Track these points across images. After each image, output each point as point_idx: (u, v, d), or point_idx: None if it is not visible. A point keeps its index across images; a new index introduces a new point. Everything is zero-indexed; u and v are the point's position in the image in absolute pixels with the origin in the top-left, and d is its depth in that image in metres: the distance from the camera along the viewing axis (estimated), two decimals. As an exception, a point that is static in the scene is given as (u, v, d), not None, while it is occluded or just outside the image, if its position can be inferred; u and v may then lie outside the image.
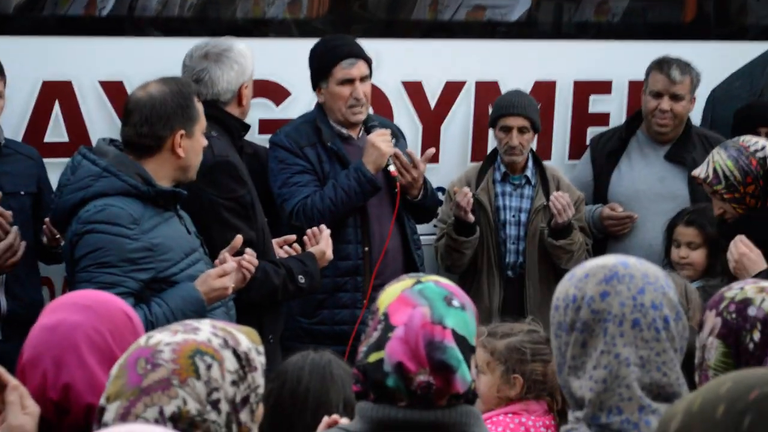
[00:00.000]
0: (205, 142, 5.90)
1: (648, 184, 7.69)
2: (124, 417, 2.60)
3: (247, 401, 2.82)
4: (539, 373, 4.70)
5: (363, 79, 6.94)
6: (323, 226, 6.45)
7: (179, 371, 2.71)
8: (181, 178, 5.78)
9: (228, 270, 5.65)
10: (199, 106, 5.84)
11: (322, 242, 6.37)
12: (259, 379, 2.83)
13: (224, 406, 2.74)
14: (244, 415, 2.79)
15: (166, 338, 2.80)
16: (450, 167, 7.83)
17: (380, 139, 6.80)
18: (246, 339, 2.88)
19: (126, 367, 2.75)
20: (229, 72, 6.38)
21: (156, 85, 5.88)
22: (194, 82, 6.21)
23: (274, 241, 6.35)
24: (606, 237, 7.79)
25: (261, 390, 2.85)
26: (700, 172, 6.06)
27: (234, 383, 2.76)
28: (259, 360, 2.85)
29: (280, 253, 6.23)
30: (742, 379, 1.99)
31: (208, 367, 2.73)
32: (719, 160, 6.07)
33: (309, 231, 6.35)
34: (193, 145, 5.74)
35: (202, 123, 5.77)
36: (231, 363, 2.77)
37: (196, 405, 2.68)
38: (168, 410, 2.67)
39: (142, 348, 2.79)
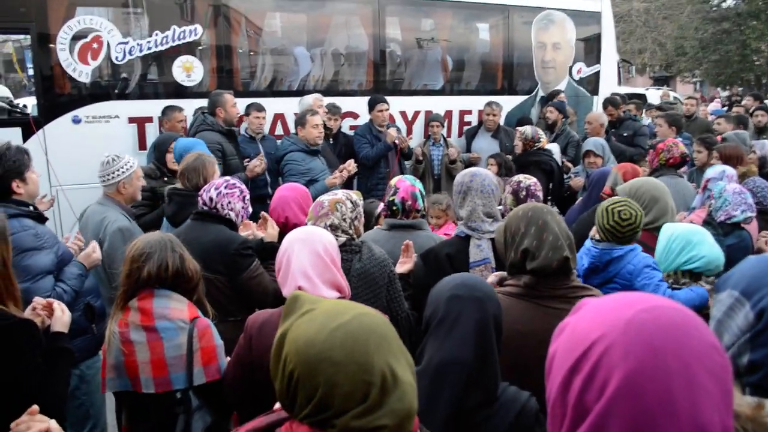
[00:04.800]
0: (314, 131, 6.05)
1: (484, 146, 8.00)
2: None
3: (357, 217, 3.25)
4: (443, 210, 4.85)
5: (385, 110, 7.34)
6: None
7: (331, 209, 3.15)
8: (311, 145, 6.03)
9: (338, 176, 5.90)
10: (310, 118, 6.06)
11: None
12: (360, 210, 3.28)
13: (347, 219, 3.17)
14: (356, 223, 3.23)
15: (326, 197, 3.23)
16: (414, 142, 8.10)
17: (392, 131, 7.24)
18: (356, 195, 3.32)
19: (313, 209, 3.22)
20: None
21: (300, 112, 6.45)
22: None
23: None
24: (469, 165, 7.52)
25: (362, 212, 3.31)
26: (522, 131, 6.40)
27: (351, 211, 3.19)
28: (360, 202, 3.31)
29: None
30: (527, 204, 2.65)
31: (341, 207, 3.17)
32: (527, 130, 6.38)
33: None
34: (308, 132, 6.01)
35: (309, 122, 6.03)
36: (349, 205, 3.20)
37: (338, 220, 3.14)
38: (328, 222, 3.11)
39: (318, 202, 3.24)
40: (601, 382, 0.95)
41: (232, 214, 3.56)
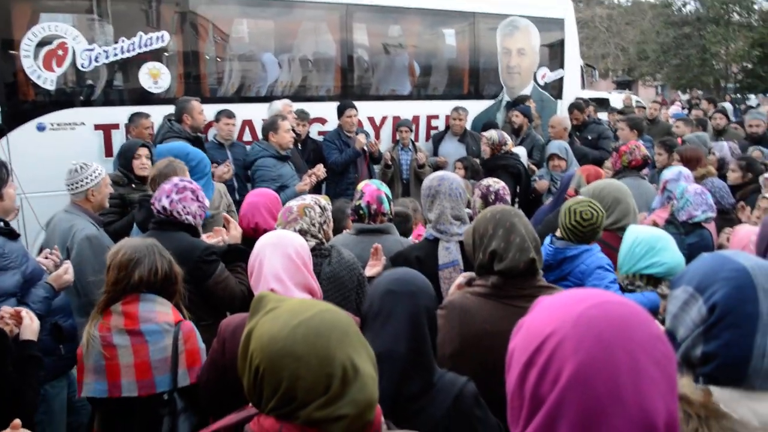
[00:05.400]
0: (286, 136, 6.16)
1: (451, 150, 8.11)
2: (281, 234, 2.89)
3: (325, 222, 3.30)
4: (409, 211, 4.82)
5: (354, 116, 7.44)
6: None
7: (299, 214, 3.19)
8: (283, 149, 6.20)
9: (308, 182, 5.94)
10: (281, 123, 6.20)
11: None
12: (329, 214, 3.34)
13: (316, 224, 3.22)
14: (325, 227, 3.28)
15: (294, 203, 3.28)
16: (383, 147, 7.97)
17: (361, 137, 7.32)
18: (323, 200, 3.38)
19: (282, 214, 3.27)
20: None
21: (270, 118, 6.48)
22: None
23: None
24: (437, 169, 7.28)
25: (331, 216, 3.36)
26: (489, 136, 6.41)
27: (320, 216, 3.24)
28: (328, 206, 3.37)
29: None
30: (495, 207, 2.70)
31: (310, 211, 3.21)
32: (493, 134, 6.41)
33: None
34: (281, 136, 6.15)
35: (282, 127, 6.18)
36: (318, 210, 3.25)
37: (307, 225, 3.17)
38: (297, 227, 3.14)
39: (287, 207, 3.28)
40: (554, 374, 1.00)
41: (190, 218, 3.51)
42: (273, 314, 1.41)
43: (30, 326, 2.65)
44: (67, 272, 3.51)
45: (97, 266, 3.82)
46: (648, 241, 3.12)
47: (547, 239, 3.46)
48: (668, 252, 3.11)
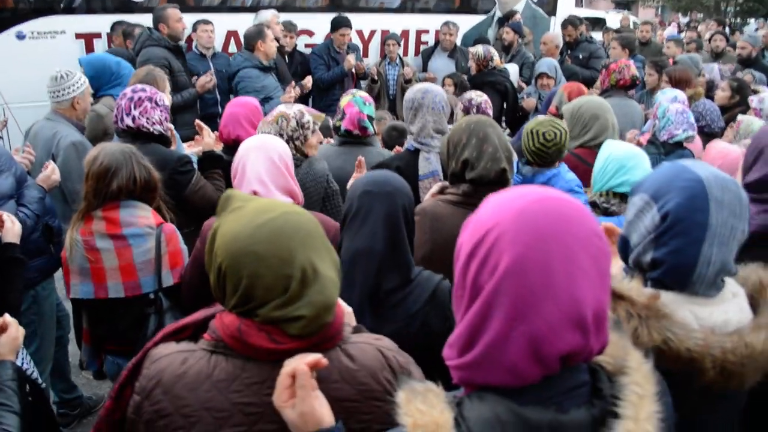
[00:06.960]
0: (273, 45, 6.15)
1: (441, 66, 7.94)
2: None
3: (298, 138, 3.19)
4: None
5: (347, 35, 7.30)
6: None
7: (273, 120, 3.18)
8: (268, 59, 6.13)
9: (292, 94, 5.92)
10: (268, 31, 6.10)
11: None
12: (306, 131, 3.21)
13: (284, 135, 3.13)
14: (297, 142, 3.20)
15: (278, 109, 3.24)
16: (371, 61, 8.06)
17: (350, 58, 7.15)
18: (309, 116, 3.26)
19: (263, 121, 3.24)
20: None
21: (255, 27, 6.29)
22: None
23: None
24: None
25: (309, 135, 3.23)
26: (474, 51, 6.45)
27: (293, 130, 3.17)
28: (310, 124, 3.22)
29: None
30: (471, 117, 2.72)
31: (282, 121, 3.17)
32: (479, 49, 6.40)
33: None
34: (268, 46, 6.08)
35: (269, 36, 6.08)
36: (293, 124, 3.18)
37: (274, 132, 3.10)
38: (265, 130, 3.12)
39: (274, 111, 3.23)
40: (493, 264, 1.05)
41: (158, 127, 3.41)
42: (238, 213, 1.43)
43: (12, 229, 2.68)
44: (54, 172, 3.54)
45: (83, 173, 3.85)
46: (619, 160, 3.00)
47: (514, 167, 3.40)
48: (639, 171, 2.99)
